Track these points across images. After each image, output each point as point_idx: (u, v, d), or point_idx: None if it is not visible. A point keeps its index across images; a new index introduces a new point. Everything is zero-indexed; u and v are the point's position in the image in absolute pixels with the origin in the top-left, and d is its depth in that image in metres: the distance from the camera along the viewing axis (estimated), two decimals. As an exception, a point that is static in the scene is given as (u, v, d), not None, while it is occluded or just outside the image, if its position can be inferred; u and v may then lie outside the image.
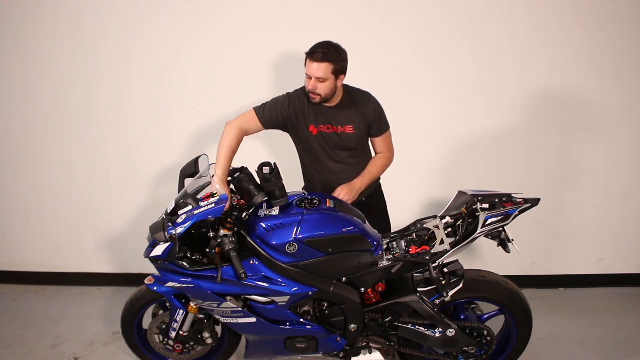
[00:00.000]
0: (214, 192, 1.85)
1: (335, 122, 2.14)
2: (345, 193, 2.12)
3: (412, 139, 2.84)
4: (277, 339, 2.02)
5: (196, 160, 2.02)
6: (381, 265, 1.92)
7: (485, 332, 2.07)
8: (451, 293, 1.95)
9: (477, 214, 1.89)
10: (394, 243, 2.03)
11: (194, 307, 2.05)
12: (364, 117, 2.16)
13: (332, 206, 1.97)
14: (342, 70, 2.05)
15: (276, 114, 2.13)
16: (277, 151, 2.74)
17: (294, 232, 1.84)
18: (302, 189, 2.42)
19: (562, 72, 2.80)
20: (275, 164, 1.94)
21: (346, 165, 2.22)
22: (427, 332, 2.02)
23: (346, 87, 2.18)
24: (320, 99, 2.06)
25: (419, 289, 1.99)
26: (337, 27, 2.70)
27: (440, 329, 2.02)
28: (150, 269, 1.96)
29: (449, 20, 2.73)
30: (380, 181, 2.42)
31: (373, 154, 2.34)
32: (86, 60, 2.79)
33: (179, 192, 1.99)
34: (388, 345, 2.08)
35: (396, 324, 2.02)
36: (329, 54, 1.99)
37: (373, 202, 2.36)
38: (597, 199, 3.04)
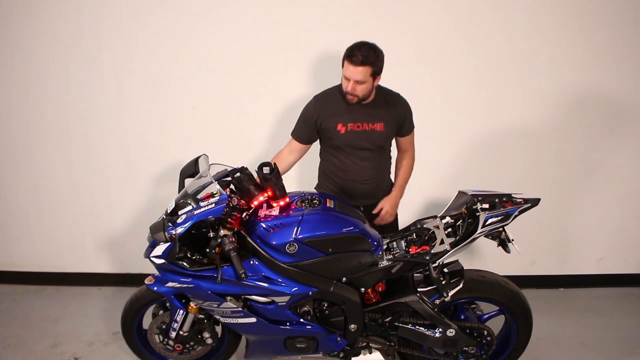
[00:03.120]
0: (214, 192, 1.85)
1: (366, 119, 2.17)
2: (388, 207, 2.19)
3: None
4: (277, 339, 2.03)
5: (196, 160, 2.02)
6: (381, 265, 1.92)
7: (485, 332, 2.07)
8: (451, 293, 1.95)
9: (477, 214, 1.89)
10: (394, 243, 2.03)
11: (194, 307, 2.05)
12: (396, 116, 2.20)
13: (332, 206, 1.97)
14: (380, 71, 2.06)
15: (306, 126, 2.22)
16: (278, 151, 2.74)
17: (294, 232, 1.84)
18: (315, 187, 2.42)
19: (563, 72, 2.80)
20: (275, 164, 1.94)
21: (368, 162, 2.25)
22: (427, 332, 2.02)
23: (379, 86, 2.21)
24: (357, 100, 2.09)
25: (419, 289, 1.99)
26: (337, 27, 2.70)
27: (440, 329, 2.02)
28: (150, 269, 1.96)
29: (449, 21, 2.72)
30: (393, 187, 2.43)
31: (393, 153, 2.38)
32: (86, 60, 2.79)
33: (179, 192, 1.99)
34: (388, 345, 2.09)
35: (396, 324, 2.02)
36: (369, 56, 1.98)
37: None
38: (597, 199, 3.04)
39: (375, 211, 2.19)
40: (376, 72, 2.04)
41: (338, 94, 2.18)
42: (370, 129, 2.17)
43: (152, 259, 1.89)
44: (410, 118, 2.27)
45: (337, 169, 2.28)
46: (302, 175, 2.85)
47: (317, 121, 2.20)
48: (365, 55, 1.97)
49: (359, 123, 2.17)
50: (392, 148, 2.39)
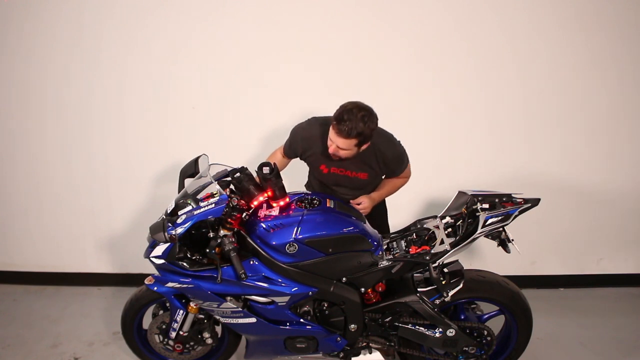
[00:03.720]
0: (214, 192, 1.85)
1: (350, 167, 2.11)
2: (366, 204, 2.11)
3: (412, 139, 2.80)
4: (277, 339, 2.03)
5: (196, 160, 2.02)
6: (381, 265, 1.92)
7: (485, 332, 2.07)
8: (451, 293, 1.95)
9: (477, 214, 1.89)
10: (394, 243, 2.03)
11: (194, 307, 2.05)
12: (382, 166, 2.12)
13: (332, 206, 1.97)
14: (367, 139, 1.94)
15: (293, 150, 2.19)
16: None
17: (294, 232, 1.84)
18: (305, 185, 2.43)
19: (563, 72, 2.80)
20: (275, 164, 1.94)
21: (352, 197, 2.20)
22: (427, 332, 2.02)
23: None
24: (339, 159, 2.03)
25: (419, 289, 1.99)
26: (337, 27, 2.70)
27: (440, 329, 2.02)
28: (150, 269, 1.96)
29: (449, 21, 2.72)
30: None
31: None
32: (85, 60, 2.79)
33: (179, 192, 1.99)
34: (388, 345, 2.09)
35: (396, 324, 2.02)
36: (356, 129, 1.85)
37: (376, 204, 2.36)
38: (597, 199, 3.04)
39: (354, 202, 2.13)
40: (362, 142, 1.93)
41: (323, 138, 2.04)
42: (353, 176, 2.13)
43: (152, 259, 1.89)
44: (399, 164, 2.15)
45: (321, 190, 2.27)
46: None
47: (302, 155, 2.19)
48: (353, 127, 1.84)
49: (342, 169, 2.12)
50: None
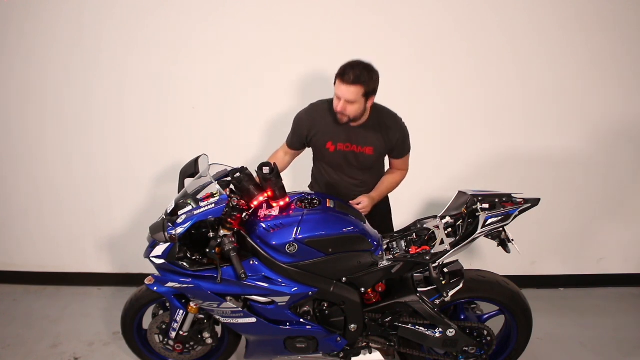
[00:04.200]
0: (214, 192, 1.85)
1: (355, 141, 2.12)
2: (365, 203, 2.12)
3: (412, 139, 2.81)
4: (277, 339, 2.03)
5: (196, 160, 2.02)
6: (381, 265, 1.92)
7: (485, 332, 2.07)
8: (451, 293, 1.95)
9: (477, 214, 1.89)
10: (394, 243, 2.03)
11: (194, 307, 2.05)
12: (387, 141, 2.13)
13: (332, 206, 1.97)
14: (373, 92, 1.99)
15: (297, 137, 2.21)
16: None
17: (294, 232, 1.84)
18: (309, 186, 2.42)
19: (563, 72, 2.80)
20: (275, 164, 1.94)
21: (358, 181, 2.23)
22: (427, 332, 2.02)
23: (375, 107, 2.12)
24: (347, 120, 2.03)
25: (419, 289, 1.99)
26: (337, 27, 2.70)
27: (440, 329, 2.02)
28: (150, 269, 1.96)
29: (449, 21, 2.72)
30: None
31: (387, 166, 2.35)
32: (85, 60, 2.79)
33: (179, 192, 1.99)
34: (388, 345, 2.09)
35: (396, 324, 2.02)
36: (361, 76, 1.91)
37: (378, 204, 2.36)
38: (597, 199, 3.04)
39: (353, 202, 2.13)
40: (369, 93, 1.96)
41: (329, 111, 2.10)
42: (359, 152, 2.13)
43: (152, 259, 1.89)
44: (402, 143, 2.17)
45: (326, 179, 2.28)
46: (295, 175, 2.85)
47: (307, 136, 2.18)
48: (358, 74, 1.90)
49: (348, 144, 2.12)
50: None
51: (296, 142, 2.24)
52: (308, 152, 2.37)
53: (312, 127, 2.15)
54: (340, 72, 1.95)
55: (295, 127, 2.22)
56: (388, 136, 2.12)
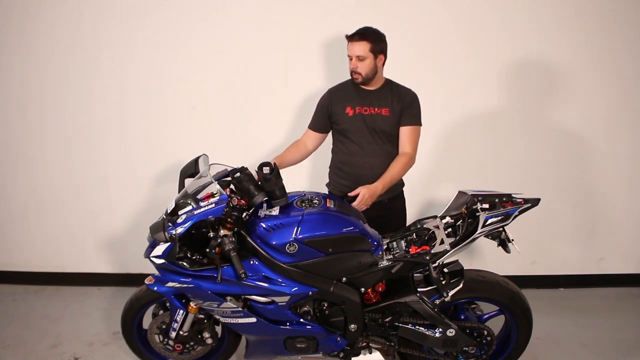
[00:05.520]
0: (214, 192, 1.85)
1: (373, 103, 2.23)
2: (364, 193, 2.08)
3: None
4: (277, 339, 2.02)
5: (196, 160, 2.02)
6: (381, 265, 1.92)
7: (485, 332, 2.07)
8: (451, 293, 1.95)
9: (477, 214, 1.89)
10: (394, 243, 2.03)
11: (194, 307, 2.05)
12: (401, 103, 2.24)
13: (332, 206, 1.97)
14: (381, 50, 2.16)
15: (320, 115, 2.32)
16: (278, 151, 2.74)
17: (294, 232, 1.84)
18: (326, 184, 2.42)
19: (563, 72, 2.80)
20: (275, 163, 1.94)
21: (374, 147, 2.24)
22: (427, 332, 2.02)
23: (390, 80, 2.31)
24: (362, 78, 2.17)
25: (419, 289, 1.99)
26: (337, 27, 2.70)
27: (440, 329, 2.02)
28: (150, 269, 1.96)
29: (449, 21, 2.73)
30: (403, 188, 2.40)
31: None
32: (85, 60, 2.79)
33: (179, 192, 1.99)
34: (388, 345, 2.08)
35: (396, 324, 2.02)
36: (366, 33, 2.12)
37: (394, 205, 2.36)
38: (597, 199, 3.04)
39: (352, 194, 2.10)
40: (376, 50, 2.13)
41: (350, 83, 2.28)
42: (377, 113, 2.22)
43: (152, 259, 1.88)
44: (413, 109, 2.25)
45: (344, 155, 2.30)
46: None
47: (328, 107, 2.28)
48: (363, 32, 2.12)
49: (366, 107, 2.22)
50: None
51: (319, 120, 2.32)
52: (324, 152, 2.37)
53: (332, 97, 2.29)
54: (349, 35, 2.16)
55: (319, 106, 2.34)
56: (400, 96, 2.25)
